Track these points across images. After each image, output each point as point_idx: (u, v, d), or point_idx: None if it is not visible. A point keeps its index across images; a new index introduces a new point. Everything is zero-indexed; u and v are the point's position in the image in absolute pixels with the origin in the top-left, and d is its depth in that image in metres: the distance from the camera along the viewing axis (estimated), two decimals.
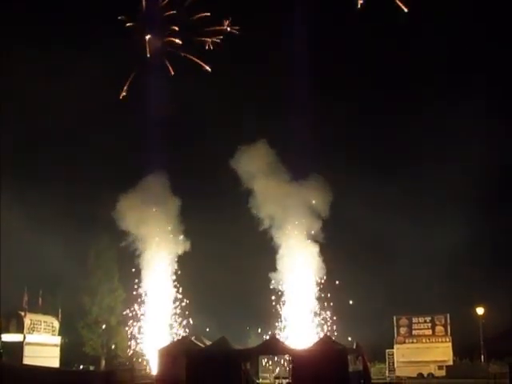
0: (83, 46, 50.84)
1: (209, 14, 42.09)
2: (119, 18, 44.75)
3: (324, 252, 46.58)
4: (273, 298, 46.57)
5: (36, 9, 51.50)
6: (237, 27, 45.62)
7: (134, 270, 48.23)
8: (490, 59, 52.66)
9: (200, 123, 54.59)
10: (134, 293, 48.21)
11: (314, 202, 46.46)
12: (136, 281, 48.15)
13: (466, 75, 53.12)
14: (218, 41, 46.53)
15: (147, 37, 43.83)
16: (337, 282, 45.73)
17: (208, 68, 41.85)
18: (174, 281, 48.51)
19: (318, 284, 46.57)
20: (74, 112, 51.83)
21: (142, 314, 48.17)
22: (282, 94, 51.01)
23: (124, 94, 47.81)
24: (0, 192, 46.43)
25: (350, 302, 45.90)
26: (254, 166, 47.06)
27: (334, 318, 46.33)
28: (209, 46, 44.51)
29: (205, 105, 54.75)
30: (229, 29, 44.00)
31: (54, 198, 51.15)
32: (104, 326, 50.27)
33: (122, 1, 48.18)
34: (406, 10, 38.09)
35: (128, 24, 46.21)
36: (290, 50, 48.98)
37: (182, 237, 48.55)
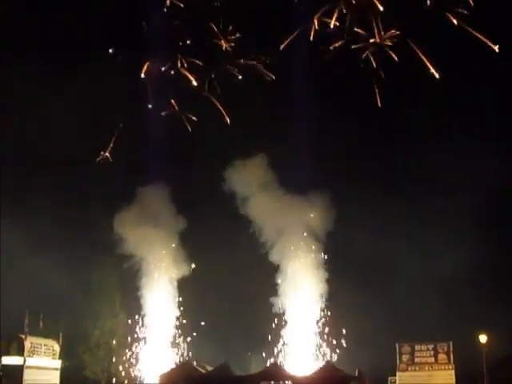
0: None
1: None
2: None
3: (326, 277, 46.64)
4: (274, 322, 46.56)
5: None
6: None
7: (136, 293, 48.26)
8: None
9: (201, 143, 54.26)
10: (136, 317, 48.19)
11: (313, 225, 46.58)
12: (138, 305, 48.21)
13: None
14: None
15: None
16: (338, 307, 45.78)
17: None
18: (177, 305, 48.43)
19: (320, 309, 46.55)
20: (74, 135, 51.83)
21: (143, 338, 48.07)
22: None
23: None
24: (0, 215, 46.49)
25: (344, 331, 45.90)
26: (252, 184, 47.22)
27: (336, 343, 46.27)
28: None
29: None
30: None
31: (55, 221, 51.17)
32: (105, 351, 49.99)
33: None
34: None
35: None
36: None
37: (183, 261, 48.62)
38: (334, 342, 46.35)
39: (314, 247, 47.25)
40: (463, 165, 51.99)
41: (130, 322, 49.25)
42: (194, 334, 48.07)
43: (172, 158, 51.70)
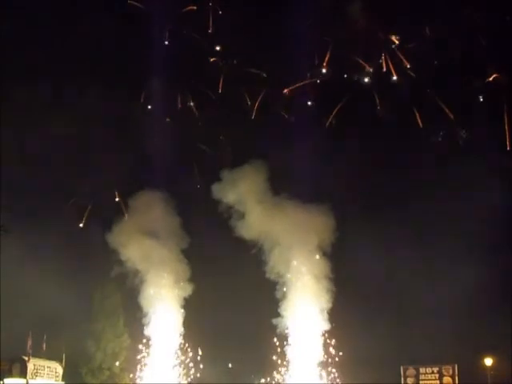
0: None
1: None
2: None
3: (329, 297, 46.50)
4: (278, 343, 46.39)
5: None
6: None
7: (138, 313, 48.10)
8: None
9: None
10: (139, 337, 48.00)
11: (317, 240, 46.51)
12: (141, 325, 47.99)
13: None
14: None
15: None
16: (341, 328, 45.59)
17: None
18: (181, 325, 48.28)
19: (323, 330, 46.37)
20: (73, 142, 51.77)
21: (146, 360, 47.85)
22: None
23: None
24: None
25: (347, 353, 45.56)
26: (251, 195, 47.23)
27: (340, 365, 46.03)
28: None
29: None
30: None
31: (59, 242, 50.98)
32: (108, 372, 49.74)
33: None
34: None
35: None
36: None
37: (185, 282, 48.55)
38: (338, 363, 46.15)
39: (317, 264, 47.09)
40: (474, 182, 51.70)
41: (132, 343, 49.10)
42: (198, 355, 47.91)
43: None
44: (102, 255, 48.50)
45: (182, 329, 48.49)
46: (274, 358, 46.50)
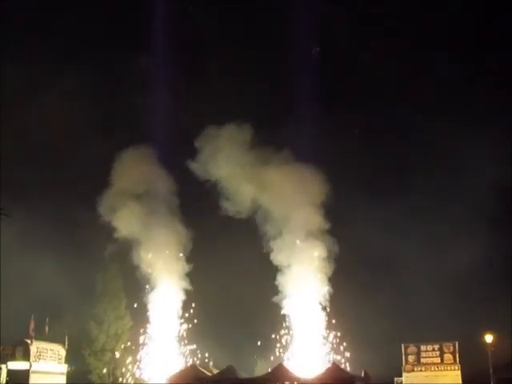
0: None
1: None
2: None
3: (330, 274, 46.49)
4: (280, 324, 46.47)
5: None
6: None
7: (141, 295, 48.21)
8: None
9: None
10: (141, 319, 48.16)
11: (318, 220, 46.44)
12: (143, 307, 48.15)
13: None
14: None
15: None
16: (343, 307, 45.62)
17: None
18: (181, 306, 48.37)
19: (325, 309, 46.42)
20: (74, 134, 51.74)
21: (148, 341, 48.03)
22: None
23: None
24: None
25: (349, 332, 45.71)
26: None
27: (341, 344, 46.17)
28: None
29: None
30: None
31: (58, 223, 51.04)
32: (110, 354, 50.01)
33: None
34: None
35: None
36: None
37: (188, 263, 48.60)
38: (340, 343, 46.30)
39: (318, 245, 46.98)
40: (480, 159, 51.46)
41: (135, 324, 49.32)
42: (200, 335, 48.07)
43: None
44: (106, 236, 48.49)
45: (184, 308, 48.62)
46: (276, 338, 46.61)
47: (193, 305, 48.31)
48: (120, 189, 48.01)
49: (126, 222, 47.49)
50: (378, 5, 51.36)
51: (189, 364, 45.89)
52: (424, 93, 54.85)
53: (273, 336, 46.60)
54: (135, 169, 48.45)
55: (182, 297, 48.50)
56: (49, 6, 51.90)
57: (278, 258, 46.44)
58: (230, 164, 47.79)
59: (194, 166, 47.79)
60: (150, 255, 48.20)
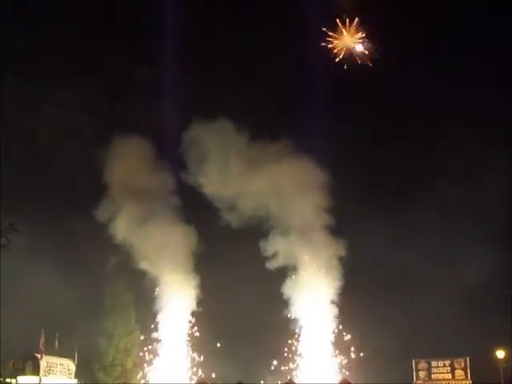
0: None
1: None
2: None
3: (339, 290, 46.35)
4: (289, 338, 46.32)
5: None
6: None
7: (150, 309, 48.22)
8: None
9: None
10: (152, 334, 48.16)
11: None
12: (152, 321, 48.15)
13: None
14: None
15: None
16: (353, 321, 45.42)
17: None
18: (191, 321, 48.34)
19: (335, 323, 46.19)
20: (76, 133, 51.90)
21: (158, 355, 48.01)
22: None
23: None
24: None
25: (360, 347, 45.45)
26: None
27: (352, 359, 45.89)
28: None
29: None
30: None
31: (62, 237, 51.07)
32: (120, 369, 49.99)
33: None
34: None
35: None
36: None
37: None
38: (350, 357, 46.02)
39: (329, 255, 46.83)
40: (493, 171, 51.09)
41: (144, 339, 49.25)
42: (209, 351, 47.96)
43: None
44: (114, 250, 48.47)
45: (194, 324, 48.54)
46: (285, 352, 46.41)
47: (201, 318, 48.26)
48: (122, 198, 48.30)
49: (126, 229, 47.71)
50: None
51: (198, 379, 45.78)
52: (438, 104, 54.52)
53: (282, 350, 46.39)
54: (137, 178, 48.70)
55: (190, 309, 48.49)
56: (49, 18, 52.18)
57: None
58: (230, 167, 47.96)
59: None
60: (157, 270, 48.26)
